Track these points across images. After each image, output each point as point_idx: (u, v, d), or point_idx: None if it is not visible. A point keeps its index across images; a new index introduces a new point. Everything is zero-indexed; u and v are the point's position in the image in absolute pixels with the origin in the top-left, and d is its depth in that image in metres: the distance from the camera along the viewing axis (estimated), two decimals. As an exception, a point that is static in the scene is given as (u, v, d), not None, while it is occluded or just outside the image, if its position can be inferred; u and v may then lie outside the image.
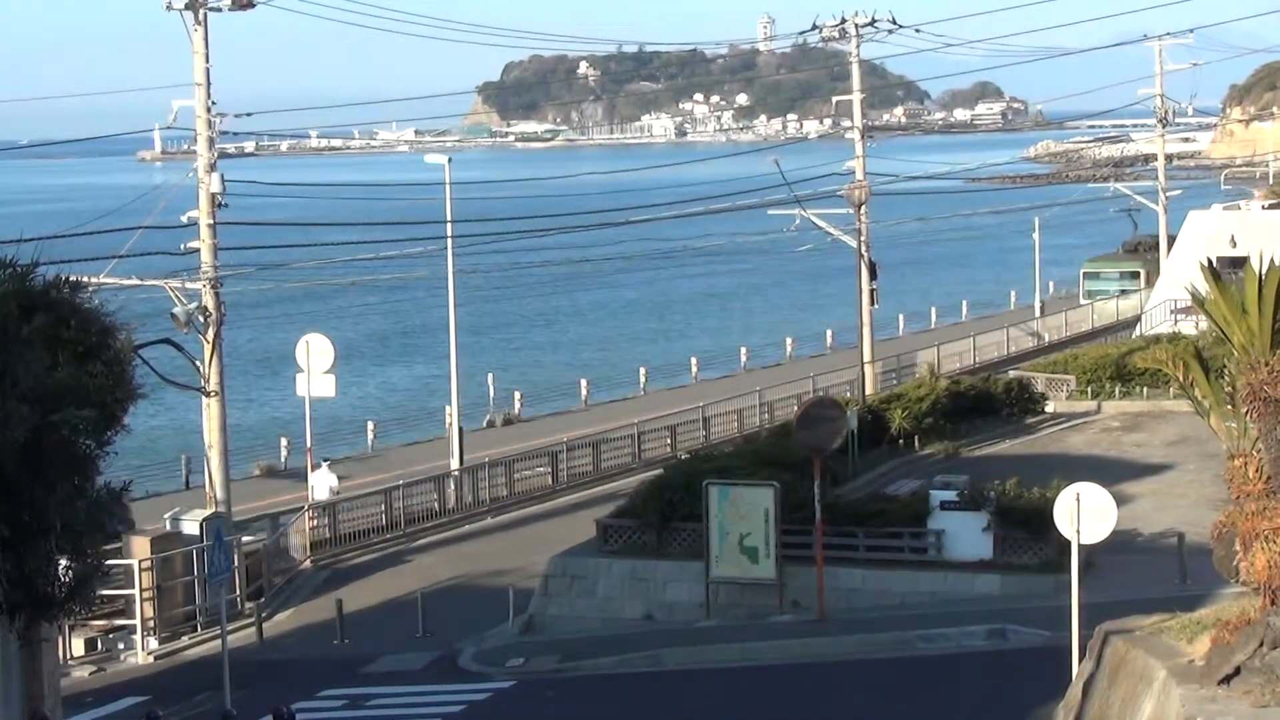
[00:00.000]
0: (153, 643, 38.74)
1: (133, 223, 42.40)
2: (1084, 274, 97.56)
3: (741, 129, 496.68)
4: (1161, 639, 19.13)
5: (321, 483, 51.33)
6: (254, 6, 42.81)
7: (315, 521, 46.56)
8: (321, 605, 41.73)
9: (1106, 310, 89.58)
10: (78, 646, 38.01)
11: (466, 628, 38.14)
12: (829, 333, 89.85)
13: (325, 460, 53.49)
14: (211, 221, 42.71)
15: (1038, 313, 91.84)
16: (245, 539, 43.21)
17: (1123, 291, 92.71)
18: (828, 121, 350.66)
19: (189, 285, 42.17)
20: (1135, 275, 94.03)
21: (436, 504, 50.53)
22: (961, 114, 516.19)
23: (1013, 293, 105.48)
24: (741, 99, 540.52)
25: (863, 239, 59.92)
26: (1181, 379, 19.95)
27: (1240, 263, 24.59)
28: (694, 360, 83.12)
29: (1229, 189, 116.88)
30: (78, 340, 21.36)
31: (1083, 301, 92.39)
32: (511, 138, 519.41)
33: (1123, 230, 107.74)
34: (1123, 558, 35.75)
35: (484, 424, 68.62)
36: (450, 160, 55.32)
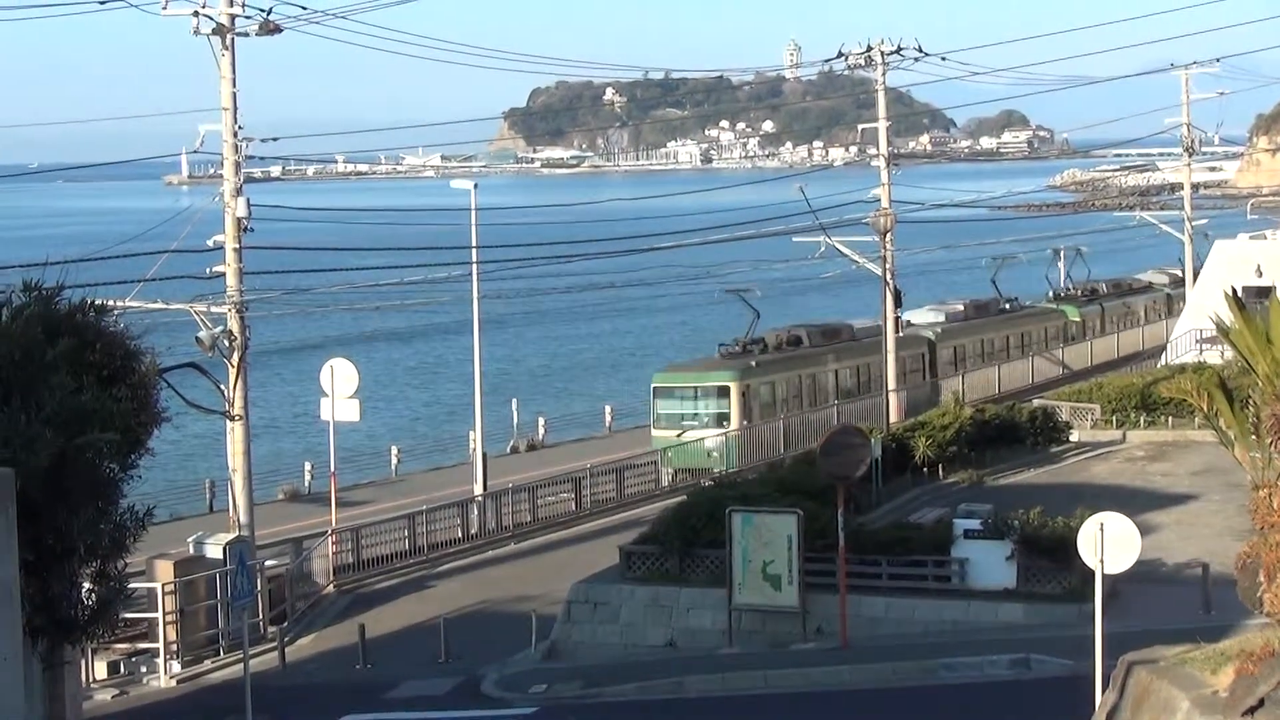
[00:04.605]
0: (175, 666, 38.76)
1: (159, 247, 42.52)
2: (654, 389, 62.20)
3: (767, 156, 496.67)
4: (1185, 670, 19.03)
5: None
6: (281, 31, 42.93)
7: (338, 546, 46.58)
8: (344, 630, 41.72)
9: (690, 454, 58.85)
10: (100, 670, 38.05)
11: (489, 653, 38.11)
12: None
13: None
14: (237, 246, 42.78)
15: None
16: (268, 563, 43.26)
17: (707, 418, 60.48)
18: (853, 149, 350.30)
19: (214, 309, 42.26)
20: (723, 394, 60.73)
21: (460, 529, 50.54)
22: (987, 142, 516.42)
23: None
24: (767, 126, 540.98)
25: (888, 266, 59.93)
26: (1206, 409, 19.89)
27: (1266, 292, 24.58)
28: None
29: (1255, 218, 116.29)
30: (102, 364, 21.44)
31: (655, 432, 61.27)
32: (537, 163, 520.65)
33: (1150, 258, 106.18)
34: (1146, 588, 35.62)
35: (508, 449, 68.72)
36: (476, 186, 55.49)
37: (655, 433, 60.94)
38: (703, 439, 58.95)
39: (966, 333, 75.15)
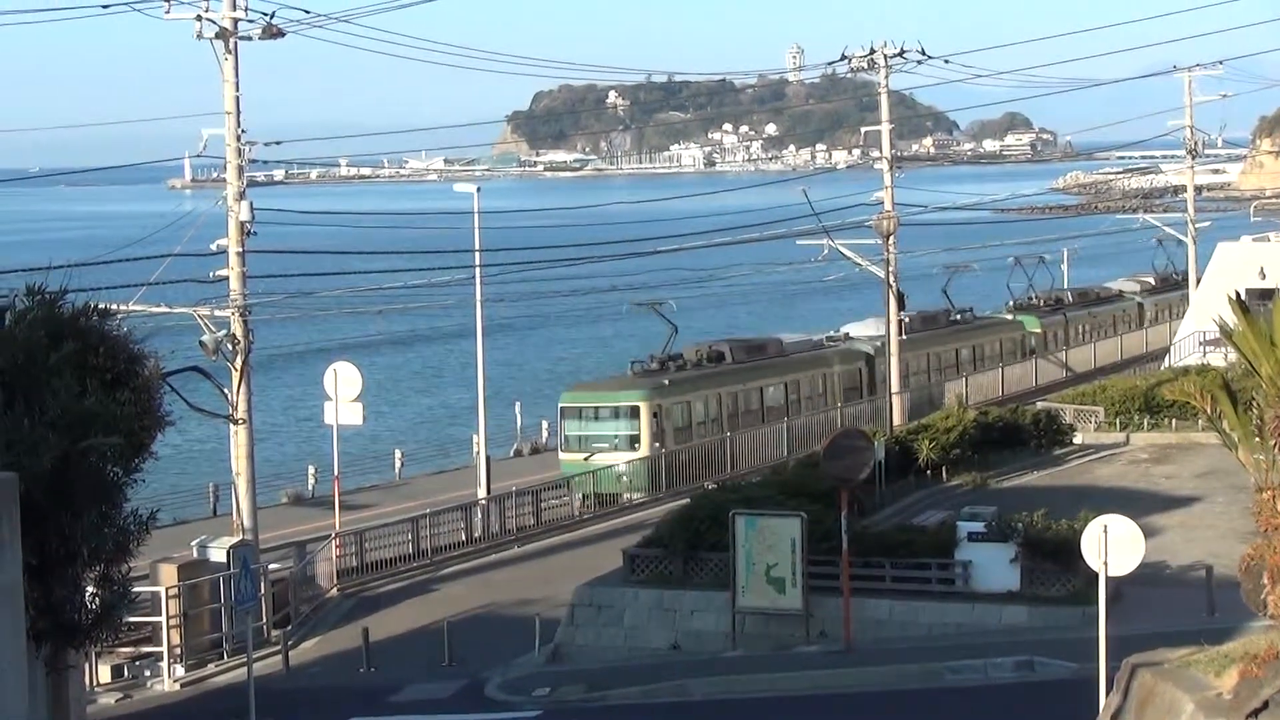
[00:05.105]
0: (179, 670, 38.75)
1: (162, 250, 42.52)
2: (562, 409, 59.16)
3: (770, 159, 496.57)
4: (1189, 672, 19.03)
5: None
6: (284, 35, 42.93)
7: (342, 550, 46.58)
8: (348, 633, 41.73)
9: (598, 479, 55.53)
10: (104, 673, 38.04)
11: (493, 657, 38.11)
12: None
13: None
14: (240, 249, 42.76)
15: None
16: (272, 566, 43.25)
17: (616, 440, 57.47)
18: (856, 152, 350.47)
19: (217, 313, 42.25)
20: (634, 415, 57.33)
21: (463, 533, 50.54)
22: (990, 145, 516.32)
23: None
24: (770, 129, 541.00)
25: (891, 270, 59.91)
26: (1209, 411, 19.91)
27: (1269, 295, 24.55)
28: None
29: (1258, 220, 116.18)
30: (106, 367, 21.41)
31: (562, 455, 58.41)
32: (540, 167, 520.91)
33: (1151, 261, 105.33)
34: (1150, 590, 35.58)
35: (511, 453, 68.70)
36: (479, 189, 55.52)
37: (563, 456, 57.90)
38: (611, 464, 56.03)
39: (910, 346, 67.14)
